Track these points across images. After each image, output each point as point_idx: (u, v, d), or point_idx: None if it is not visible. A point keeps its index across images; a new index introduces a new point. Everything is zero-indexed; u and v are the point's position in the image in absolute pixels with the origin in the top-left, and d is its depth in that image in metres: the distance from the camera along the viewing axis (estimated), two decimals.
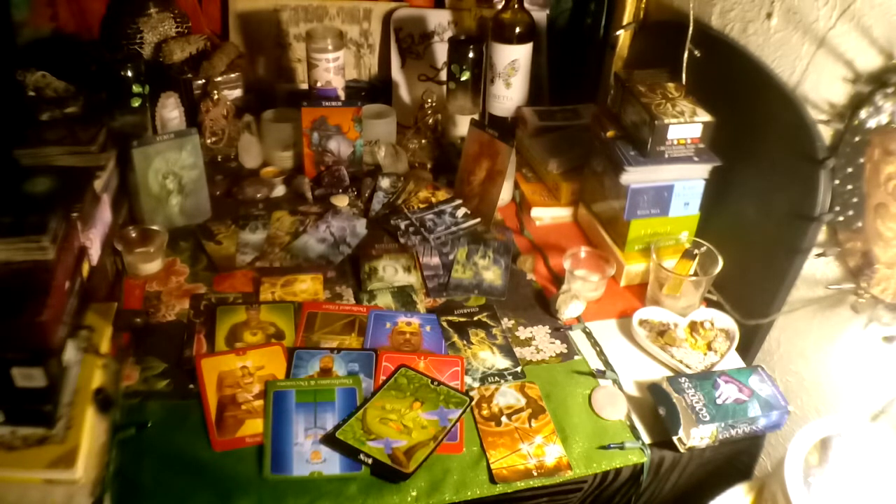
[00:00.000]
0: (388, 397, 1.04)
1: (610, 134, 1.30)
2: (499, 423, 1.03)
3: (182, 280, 1.26)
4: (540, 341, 1.18)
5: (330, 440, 0.97)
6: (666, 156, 1.22)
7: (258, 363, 1.08)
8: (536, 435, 1.02)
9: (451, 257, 1.34)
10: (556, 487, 0.98)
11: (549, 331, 1.21)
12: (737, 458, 1.10)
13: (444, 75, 1.73)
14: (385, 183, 1.51)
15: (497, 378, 1.10)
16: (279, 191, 1.50)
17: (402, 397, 1.04)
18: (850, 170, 1.04)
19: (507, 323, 1.22)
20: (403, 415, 1.01)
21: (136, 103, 1.42)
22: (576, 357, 1.16)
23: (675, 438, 1.01)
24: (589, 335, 1.20)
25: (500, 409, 1.05)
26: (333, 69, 1.55)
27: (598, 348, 1.18)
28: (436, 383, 1.07)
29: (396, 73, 1.79)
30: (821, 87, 1.10)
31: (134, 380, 1.05)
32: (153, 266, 1.26)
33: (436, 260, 1.34)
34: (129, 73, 1.40)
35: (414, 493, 0.93)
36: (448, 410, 1.03)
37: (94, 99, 1.40)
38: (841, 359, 1.12)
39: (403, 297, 1.25)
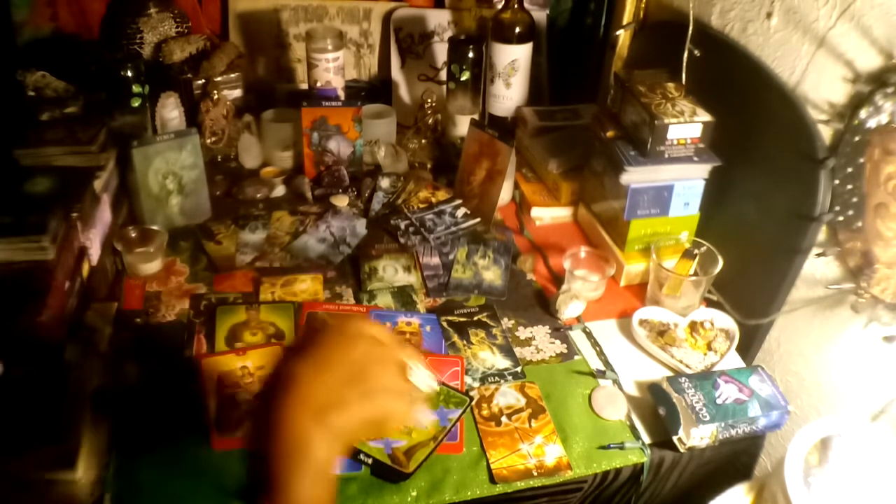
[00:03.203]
0: None
1: (610, 134, 1.30)
2: (499, 423, 1.03)
3: (182, 280, 1.26)
4: (540, 341, 1.18)
5: None
6: (666, 156, 1.22)
7: (258, 363, 1.08)
8: (536, 435, 1.02)
9: (451, 257, 1.34)
10: (556, 487, 0.98)
11: (549, 331, 1.21)
12: (737, 458, 1.09)
13: (444, 75, 1.73)
14: (385, 183, 1.51)
15: (497, 378, 1.10)
16: (279, 191, 1.50)
17: None
18: (850, 170, 1.04)
19: (507, 323, 1.22)
20: None
21: (136, 103, 1.42)
22: (576, 357, 1.16)
23: (675, 438, 1.01)
24: (589, 335, 1.20)
25: (500, 409, 1.05)
26: (333, 69, 1.55)
27: (598, 348, 1.18)
28: None
29: (396, 73, 1.79)
30: (821, 86, 1.10)
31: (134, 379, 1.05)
32: (153, 266, 1.26)
33: (436, 260, 1.34)
34: (129, 73, 1.40)
35: (414, 493, 0.93)
36: (448, 410, 1.03)
37: (94, 99, 1.40)
38: (841, 359, 1.12)
39: (403, 297, 1.25)
